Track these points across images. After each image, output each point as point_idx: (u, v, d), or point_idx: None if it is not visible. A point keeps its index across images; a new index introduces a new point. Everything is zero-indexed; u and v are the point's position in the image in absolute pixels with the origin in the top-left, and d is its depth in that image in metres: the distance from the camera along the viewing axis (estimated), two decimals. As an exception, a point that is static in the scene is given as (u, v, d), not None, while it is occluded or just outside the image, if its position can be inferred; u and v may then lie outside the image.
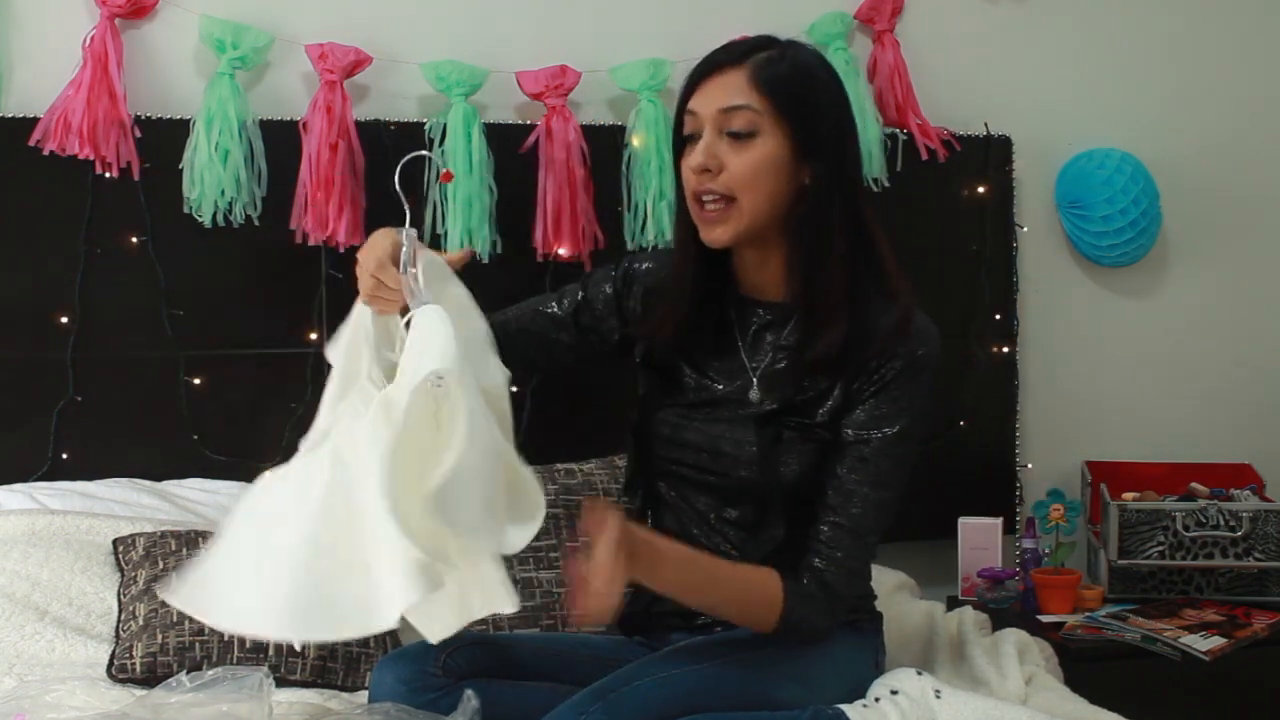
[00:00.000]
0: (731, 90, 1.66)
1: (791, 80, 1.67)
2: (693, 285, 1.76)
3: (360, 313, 1.68)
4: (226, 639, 1.96)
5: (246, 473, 2.00)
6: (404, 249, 1.62)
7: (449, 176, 2.50)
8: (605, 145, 2.68)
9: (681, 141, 1.73)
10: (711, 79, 1.68)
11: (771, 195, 1.67)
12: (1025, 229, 3.03)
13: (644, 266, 1.88)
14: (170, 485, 2.46)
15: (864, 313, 1.68)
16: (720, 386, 1.77)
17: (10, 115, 2.44)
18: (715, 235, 1.69)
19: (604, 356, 1.91)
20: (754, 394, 1.74)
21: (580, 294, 1.89)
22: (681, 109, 1.72)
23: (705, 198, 1.68)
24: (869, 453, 1.67)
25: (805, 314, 1.70)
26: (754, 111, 1.65)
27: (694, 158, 1.68)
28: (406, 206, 1.67)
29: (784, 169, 1.67)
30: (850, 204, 1.69)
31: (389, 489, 1.41)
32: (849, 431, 1.69)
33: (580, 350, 1.90)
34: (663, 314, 1.79)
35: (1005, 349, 2.98)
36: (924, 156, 2.87)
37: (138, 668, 1.93)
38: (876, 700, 1.71)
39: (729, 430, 1.73)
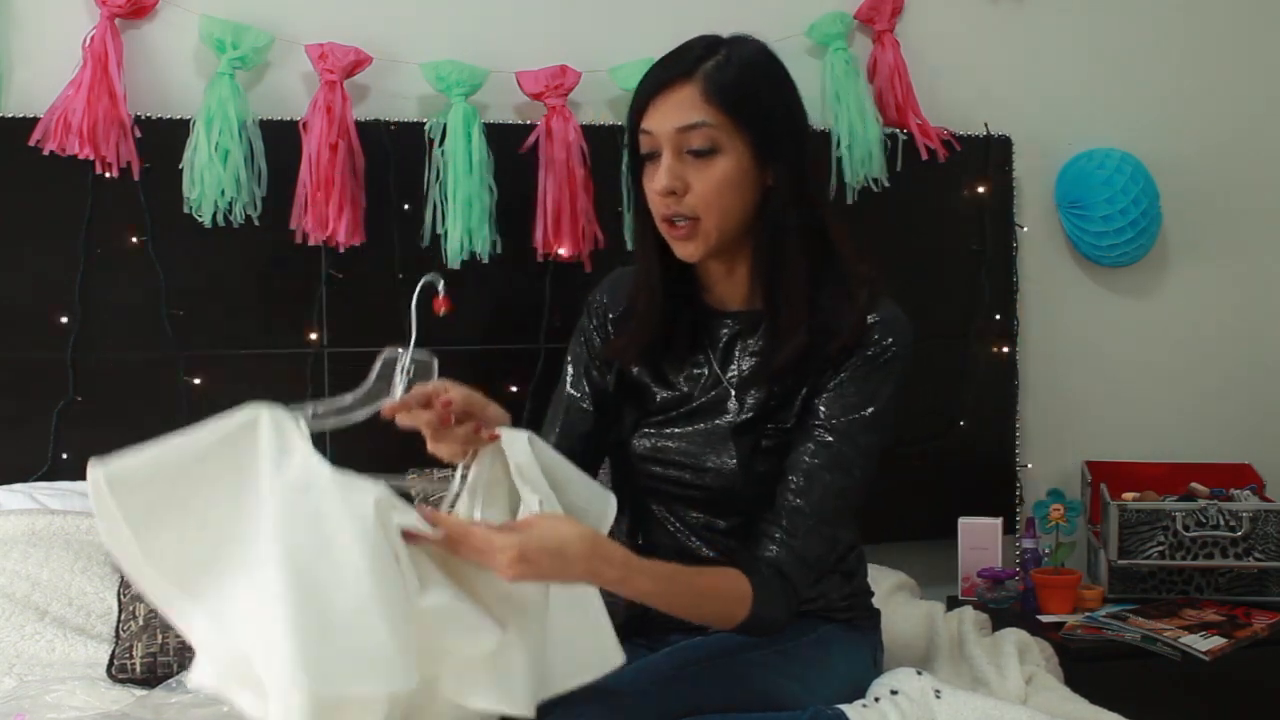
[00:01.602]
0: (686, 107, 1.61)
1: (742, 84, 1.63)
2: (663, 300, 1.73)
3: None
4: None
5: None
6: (402, 366, 1.50)
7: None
8: (605, 145, 2.67)
9: (638, 160, 1.68)
10: (663, 96, 1.63)
11: (741, 206, 1.64)
12: (1025, 229, 3.03)
13: (603, 299, 1.84)
14: (170, 485, 2.46)
15: (826, 309, 1.66)
16: (696, 401, 1.74)
17: (10, 115, 2.44)
18: (688, 251, 1.66)
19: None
20: (732, 405, 1.71)
21: (579, 367, 1.82)
22: (634, 128, 1.66)
23: (675, 220, 1.64)
24: (832, 438, 1.63)
25: (771, 318, 1.68)
26: (711, 127, 1.61)
27: (658, 180, 1.63)
28: (414, 325, 1.55)
29: (748, 178, 1.64)
30: (803, 200, 1.66)
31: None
32: (815, 414, 1.65)
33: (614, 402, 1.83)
34: (633, 333, 1.75)
35: (1005, 349, 2.98)
36: (924, 156, 2.86)
37: (138, 668, 1.93)
38: (876, 700, 1.71)
39: (708, 444, 1.71)
